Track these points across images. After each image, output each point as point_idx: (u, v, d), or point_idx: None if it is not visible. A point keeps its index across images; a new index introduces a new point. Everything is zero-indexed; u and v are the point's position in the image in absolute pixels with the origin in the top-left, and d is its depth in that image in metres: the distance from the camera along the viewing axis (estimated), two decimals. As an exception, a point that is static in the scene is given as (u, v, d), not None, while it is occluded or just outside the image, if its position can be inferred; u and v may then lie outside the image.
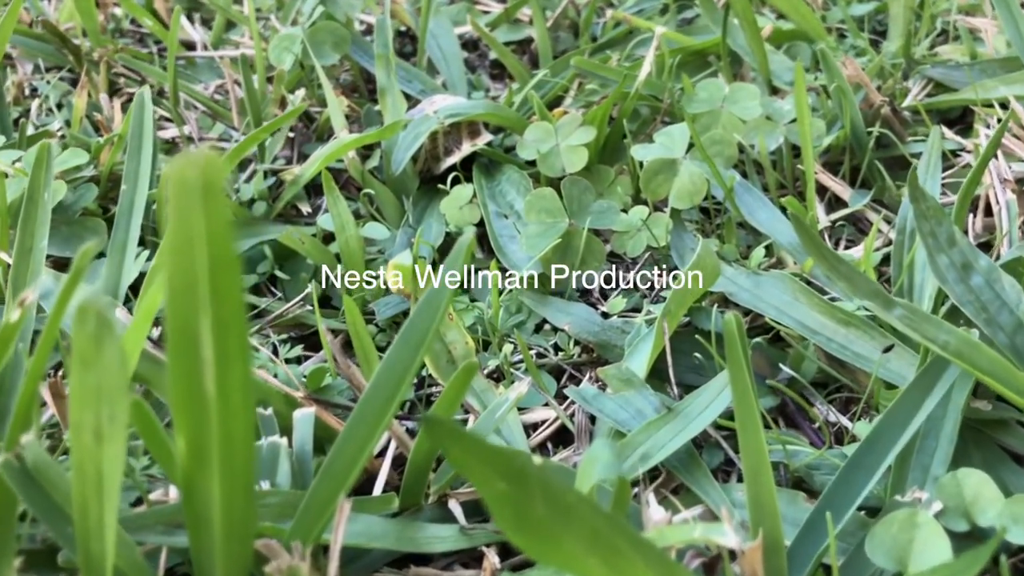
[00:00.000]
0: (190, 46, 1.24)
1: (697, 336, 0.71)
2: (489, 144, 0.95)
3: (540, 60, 1.15)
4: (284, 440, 0.59)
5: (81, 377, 0.41)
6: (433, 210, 0.92)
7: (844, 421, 0.67)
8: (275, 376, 0.67)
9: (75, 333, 0.40)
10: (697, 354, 0.69)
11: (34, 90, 1.13)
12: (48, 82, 1.13)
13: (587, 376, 0.72)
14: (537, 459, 0.55)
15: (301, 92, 1.02)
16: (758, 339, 0.73)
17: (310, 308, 0.79)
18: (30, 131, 0.95)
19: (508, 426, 0.66)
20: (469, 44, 1.25)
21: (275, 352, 0.74)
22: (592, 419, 0.68)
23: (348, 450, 0.52)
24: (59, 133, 0.98)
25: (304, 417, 0.60)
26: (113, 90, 1.13)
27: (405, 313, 0.80)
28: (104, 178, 0.89)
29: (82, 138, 0.96)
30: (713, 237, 0.83)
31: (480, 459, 0.37)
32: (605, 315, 0.76)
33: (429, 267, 0.76)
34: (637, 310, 0.78)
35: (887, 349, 0.66)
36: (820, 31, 1.05)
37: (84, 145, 0.93)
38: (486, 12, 1.28)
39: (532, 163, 0.92)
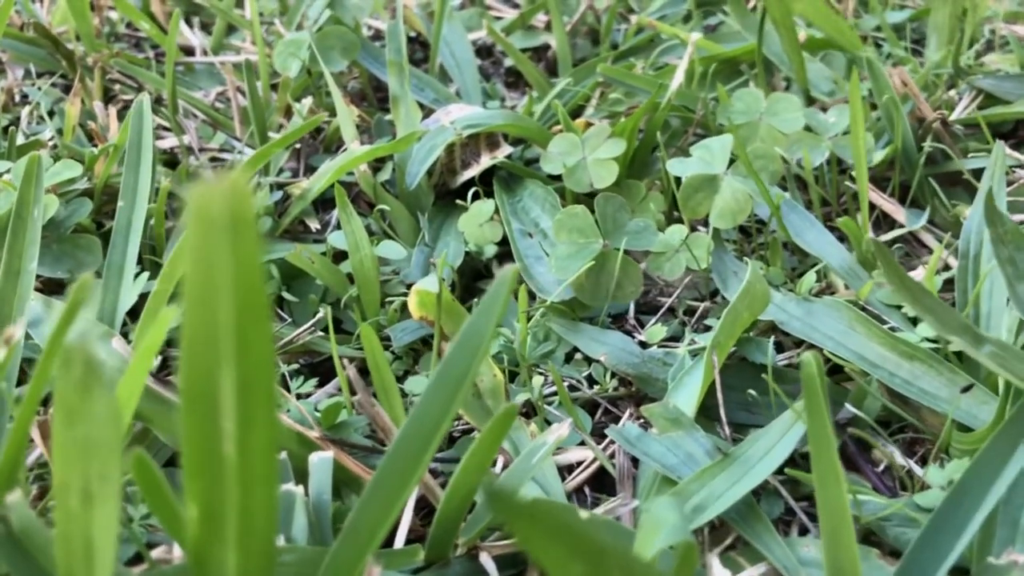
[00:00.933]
0: (189, 51, 1.18)
1: (749, 370, 0.65)
2: (509, 157, 0.89)
3: (559, 68, 1.10)
4: (300, 489, 0.52)
5: (66, 431, 0.35)
6: (450, 227, 0.86)
7: (912, 466, 0.61)
8: (287, 412, 0.61)
9: (59, 381, 0.34)
10: (751, 391, 0.63)
11: (24, 97, 1.07)
12: (39, 88, 1.07)
13: (626, 413, 0.66)
14: (584, 513, 0.49)
15: (308, 100, 0.96)
16: (812, 372, 0.67)
17: (321, 334, 0.73)
18: (20, 140, 0.89)
19: (542, 469, 0.60)
20: (482, 51, 1.20)
21: (285, 385, 0.68)
22: (635, 461, 0.62)
23: (375, 507, 0.46)
24: (50, 142, 0.92)
25: (322, 462, 0.54)
26: (108, 97, 1.07)
27: (424, 340, 0.74)
28: (99, 191, 0.83)
29: (75, 148, 0.89)
30: (754, 259, 0.77)
31: (555, 538, 0.31)
32: (643, 344, 0.70)
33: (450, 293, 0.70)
34: (676, 339, 0.72)
35: (966, 388, 0.60)
36: (855, 40, 0.99)
37: (77, 156, 0.86)
38: (499, 18, 1.22)
39: (555, 177, 0.86)
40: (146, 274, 0.70)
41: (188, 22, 1.24)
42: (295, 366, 0.71)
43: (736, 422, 0.64)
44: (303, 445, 0.57)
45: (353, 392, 0.59)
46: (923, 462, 0.63)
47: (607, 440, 0.63)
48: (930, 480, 0.58)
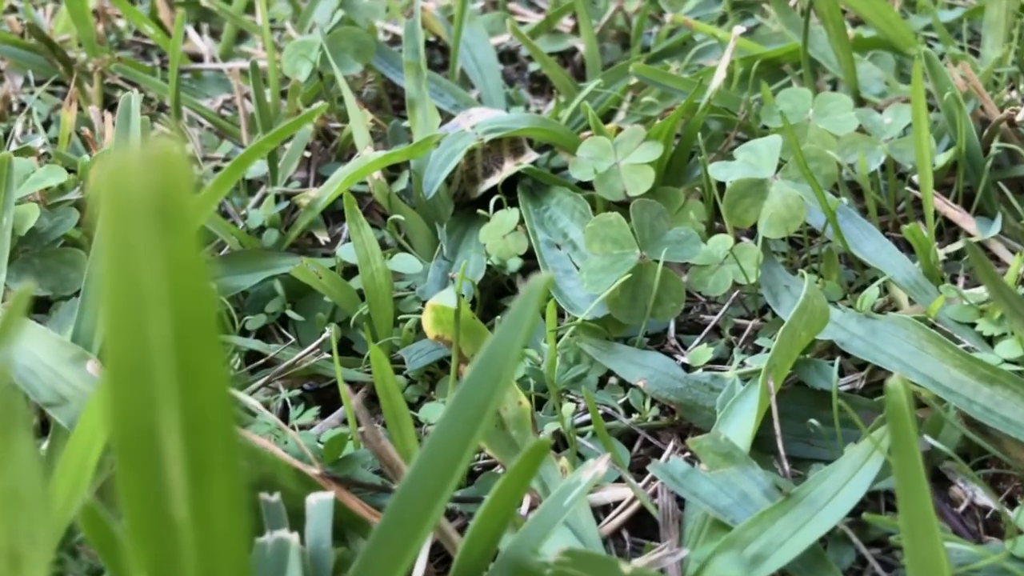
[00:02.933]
0: (197, 58, 1.12)
1: (807, 396, 0.58)
2: (534, 163, 0.82)
3: (587, 72, 1.03)
4: (295, 536, 0.45)
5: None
6: (471, 239, 0.79)
7: (999, 506, 0.53)
8: (284, 445, 0.54)
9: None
10: (812, 420, 0.55)
11: (23, 105, 1.01)
12: (39, 97, 1.01)
13: (669, 445, 0.59)
14: (625, 567, 0.42)
15: (323, 104, 0.89)
16: (879, 398, 0.59)
17: (328, 356, 0.66)
18: (12, 148, 0.83)
19: (575, 510, 0.52)
20: (505, 55, 1.13)
21: (285, 413, 0.61)
22: (680, 500, 0.54)
23: (384, 556, 0.39)
24: (43, 151, 0.85)
25: (320, 505, 0.47)
26: (109, 104, 1.01)
27: (441, 363, 0.67)
28: (92, 202, 0.77)
29: (68, 156, 0.83)
30: (805, 271, 0.69)
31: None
32: (686, 367, 0.63)
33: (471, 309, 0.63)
34: (723, 360, 0.65)
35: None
36: (908, 37, 0.92)
37: (69, 164, 0.80)
38: (523, 22, 1.16)
39: (585, 185, 0.79)
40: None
41: (197, 29, 1.18)
42: (297, 392, 0.64)
43: (793, 455, 0.56)
44: (302, 483, 0.50)
45: (359, 422, 0.52)
46: (1010, 502, 0.55)
47: (648, 476, 0.56)
48: (1022, 524, 0.51)
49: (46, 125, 1.00)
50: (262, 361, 0.67)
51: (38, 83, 1.03)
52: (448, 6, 1.17)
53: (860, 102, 0.88)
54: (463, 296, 0.58)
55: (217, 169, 0.91)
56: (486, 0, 1.23)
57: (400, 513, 0.39)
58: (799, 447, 0.57)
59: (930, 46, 1.00)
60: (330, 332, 0.63)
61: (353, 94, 0.96)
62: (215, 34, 1.19)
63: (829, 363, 0.59)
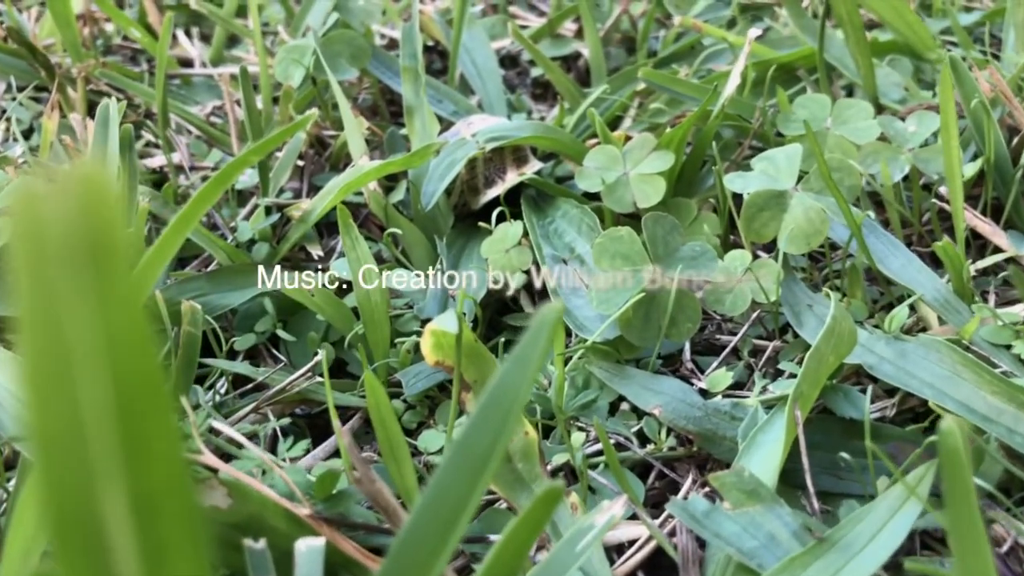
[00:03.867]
0: (187, 63, 1.08)
1: (835, 425, 0.54)
2: (538, 173, 0.79)
3: (592, 77, 0.99)
4: (281, 587, 0.41)
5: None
6: (472, 253, 0.75)
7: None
8: (271, 485, 0.50)
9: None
10: (842, 452, 0.51)
11: (2, 112, 0.97)
12: (21, 103, 0.97)
13: (687, 478, 0.55)
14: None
15: (312, 112, 0.85)
16: (911, 427, 0.55)
17: (320, 379, 0.62)
18: (-10, 158, 0.79)
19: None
20: (506, 61, 1.09)
21: (273, 446, 0.57)
22: (699, 539, 0.50)
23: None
24: (21, 160, 0.81)
25: (310, 551, 0.43)
26: (95, 112, 0.97)
27: (440, 387, 0.63)
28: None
29: (48, 166, 0.79)
30: (828, 289, 0.65)
31: None
32: (704, 393, 0.59)
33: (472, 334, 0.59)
34: (740, 384, 0.61)
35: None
36: (928, 40, 0.88)
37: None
38: (524, 26, 1.12)
39: (592, 196, 0.75)
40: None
41: (187, 33, 1.14)
42: (287, 420, 0.60)
43: (821, 489, 0.52)
44: (291, 524, 0.46)
45: (359, 476, 0.48)
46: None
47: (665, 514, 0.52)
48: (1074, 568, 0.47)
49: (28, 133, 0.96)
50: (251, 386, 0.63)
51: (20, 89, 0.99)
52: (447, 9, 1.13)
53: (879, 109, 0.84)
54: (464, 316, 0.54)
55: (205, 179, 0.87)
56: (485, 3, 1.19)
57: (401, 565, 0.35)
58: (827, 480, 0.53)
59: (948, 51, 0.96)
60: (322, 355, 0.59)
61: (348, 100, 0.92)
62: (206, 38, 1.15)
63: (859, 390, 0.56)
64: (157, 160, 0.88)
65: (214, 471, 0.48)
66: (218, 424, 0.54)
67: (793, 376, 0.57)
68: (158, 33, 1.09)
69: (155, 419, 0.18)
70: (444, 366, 0.53)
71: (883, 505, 0.45)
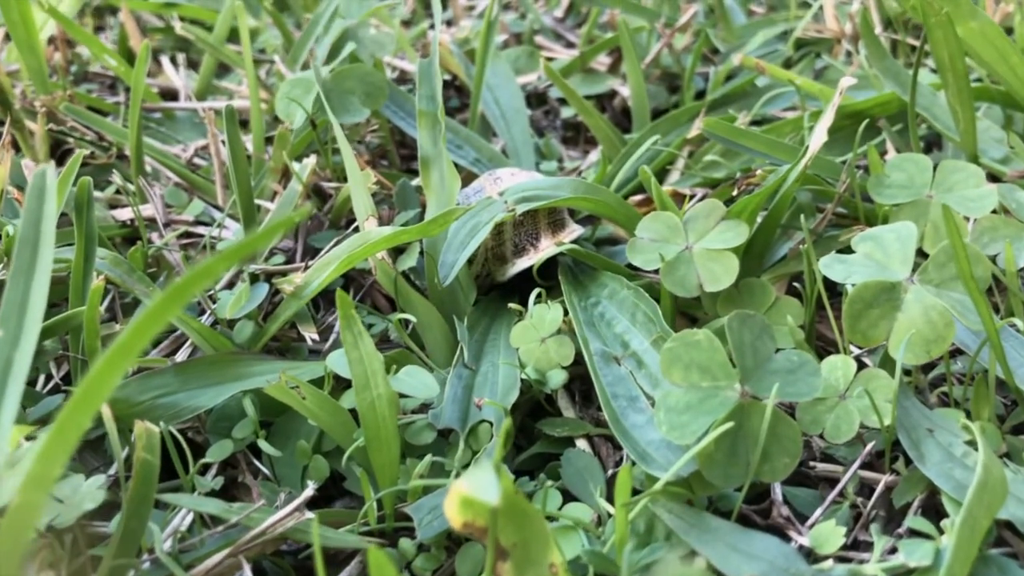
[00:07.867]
0: (171, 95, 0.96)
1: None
2: (576, 241, 0.66)
3: (633, 119, 0.86)
4: None
5: None
6: (498, 339, 0.62)
7: None
8: None
9: None
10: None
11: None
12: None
13: None
14: None
15: (310, 161, 0.73)
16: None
17: (311, 515, 0.49)
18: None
19: None
20: (532, 98, 0.96)
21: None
22: None
23: None
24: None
25: None
26: (63, 151, 0.84)
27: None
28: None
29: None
30: (964, 420, 0.52)
31: None
32: (808, 553, 0.45)
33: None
34: (848, 531, 0.48)
35: None
36: (1029, 89, 0.75)
37: (-9, 234, 0.63)
38: (551, 59, 0.99)
39: (637, 268, 0.62)
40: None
41: (174, 61, 1.02)
42: (267, 563, 0.46)
43: None
44: None
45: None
46: None
47: None
48: None
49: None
50: (225, 526, 0.50)
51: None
52: (465, 39, 1.01)
53: (977, 169, 0.71)
54: (503, 468, 0.41)
55: (183, 236, 0.74)
56: (508, 33, 1.07)
57: None
58: None
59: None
60: (311, 490, 0.45)
61: (353, 144, 0.79)
62: (195, 65, 1.02)
63: (1004, 553, 0.42)
64: (127, 212, 0.75)
65: None
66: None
67: (924, 535, 0.44)
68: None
69: None
70: (474, 528, 0.40)
71: None
